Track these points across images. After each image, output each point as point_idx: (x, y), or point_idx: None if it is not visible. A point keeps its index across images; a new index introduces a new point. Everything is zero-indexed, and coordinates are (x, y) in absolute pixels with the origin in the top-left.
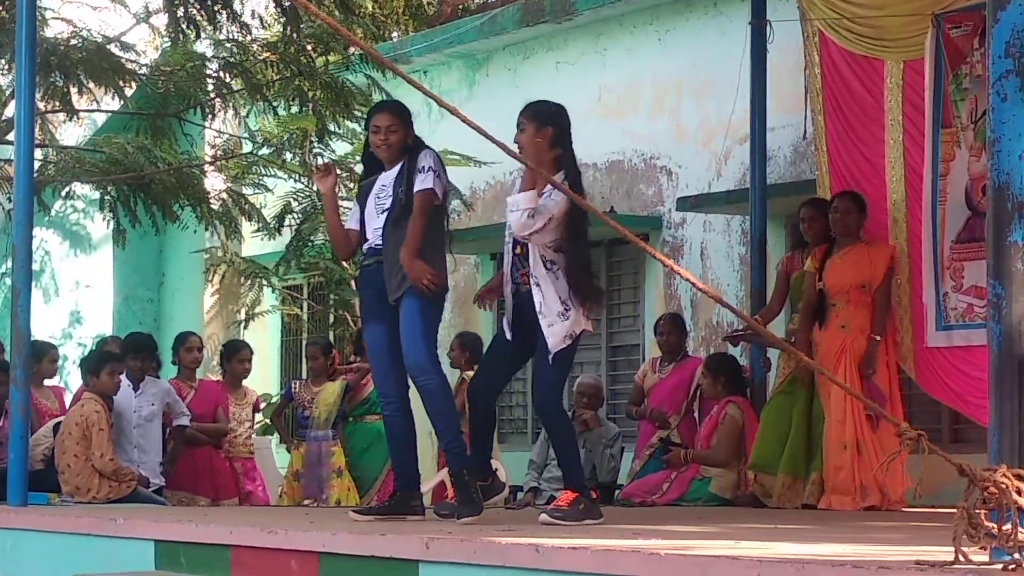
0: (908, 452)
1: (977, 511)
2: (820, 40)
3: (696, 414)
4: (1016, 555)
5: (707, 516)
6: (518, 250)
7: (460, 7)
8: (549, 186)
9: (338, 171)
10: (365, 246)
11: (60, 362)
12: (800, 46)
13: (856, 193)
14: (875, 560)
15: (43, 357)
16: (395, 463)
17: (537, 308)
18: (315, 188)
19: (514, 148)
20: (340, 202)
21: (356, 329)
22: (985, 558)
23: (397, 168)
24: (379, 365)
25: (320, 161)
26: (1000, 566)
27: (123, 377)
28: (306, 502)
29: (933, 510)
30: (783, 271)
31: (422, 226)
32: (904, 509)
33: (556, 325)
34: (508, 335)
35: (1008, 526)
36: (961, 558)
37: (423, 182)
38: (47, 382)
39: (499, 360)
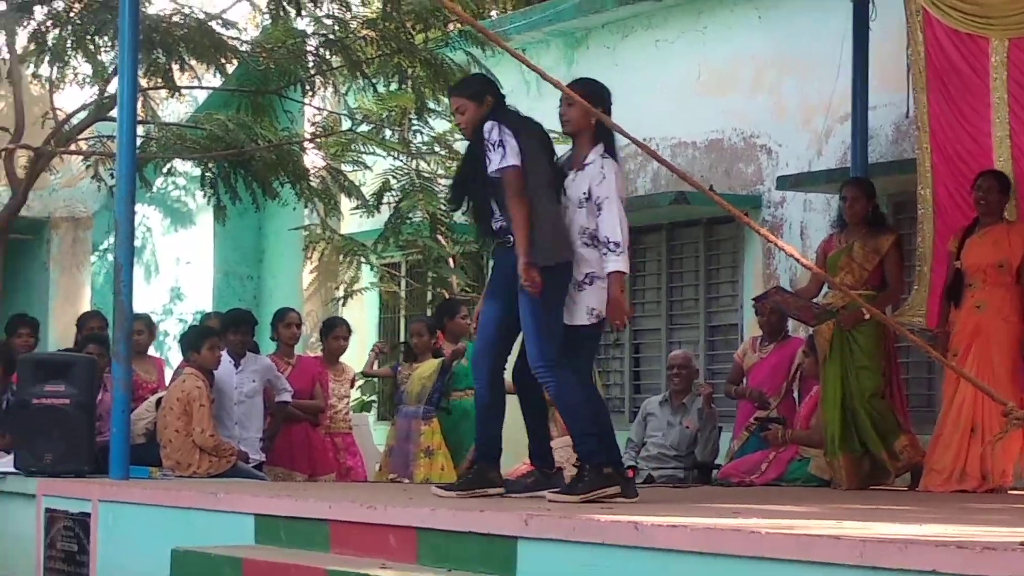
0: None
1: None
2: (923, 18)
3: (796, 395)
4: None
5: (806, 496)
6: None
7: None
8: (593, 156)
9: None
10: (493, 223)
11: (161, 337)
12: (902, 24)
13: (1000, 172)
14: (979, 541)
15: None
16: (479, 436)
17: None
18: (414, 166)
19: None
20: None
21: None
22: None
23: (471, 148)
24: (481, 339)
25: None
26: None
27: (224, 353)
28: (391, 476)
29: None
30: (821, 251)
31: (524, 217)
32: (1009, 491)
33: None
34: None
35: None
36: None
37: (495, 161)
38: (150, 352)
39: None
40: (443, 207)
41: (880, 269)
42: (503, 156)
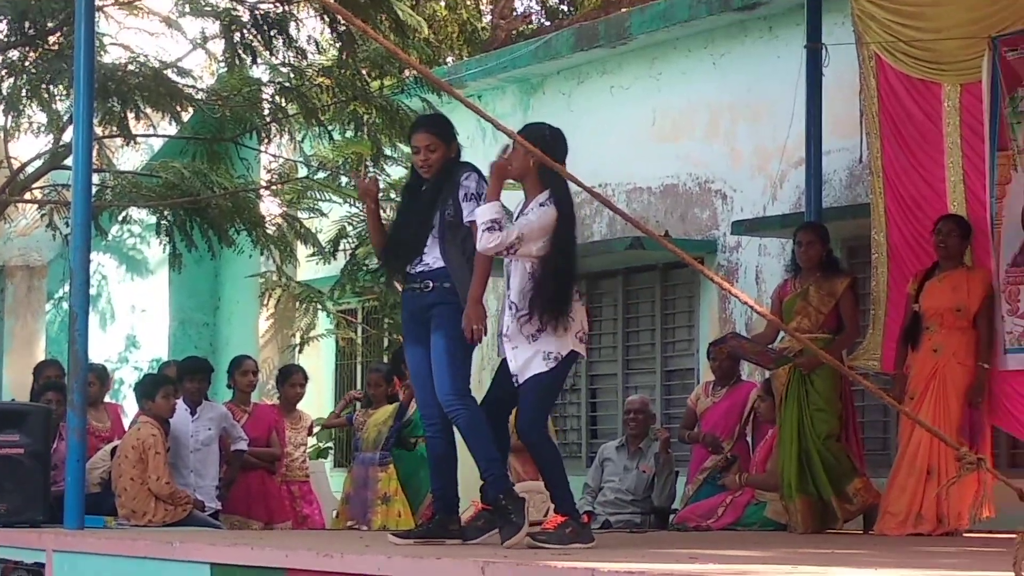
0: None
1: None
2: (876, 63)
3: (749, 439)
4: None
5: (763, 541)
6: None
7: (514, 32)
8: (532, 204)
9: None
10: (409, 268)
11: (117, 385)
12: (855, 69)
13: (960, 217)
14: None
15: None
16: (435, 486)
17: (503, 330)
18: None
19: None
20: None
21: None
22: None
23: (435, 186)
24: (422, 387)
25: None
26: None
27: (180, 401)
28: (349, 523)
29: (993, 535)
30: (776, 298)
31: (487, 264)
32: (964, 534)
33: (521, 348)
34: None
35: None
36: None
37: (470, 212)
38: (106, 399)
39: (504, 378)
40: None
41: (836, 312)
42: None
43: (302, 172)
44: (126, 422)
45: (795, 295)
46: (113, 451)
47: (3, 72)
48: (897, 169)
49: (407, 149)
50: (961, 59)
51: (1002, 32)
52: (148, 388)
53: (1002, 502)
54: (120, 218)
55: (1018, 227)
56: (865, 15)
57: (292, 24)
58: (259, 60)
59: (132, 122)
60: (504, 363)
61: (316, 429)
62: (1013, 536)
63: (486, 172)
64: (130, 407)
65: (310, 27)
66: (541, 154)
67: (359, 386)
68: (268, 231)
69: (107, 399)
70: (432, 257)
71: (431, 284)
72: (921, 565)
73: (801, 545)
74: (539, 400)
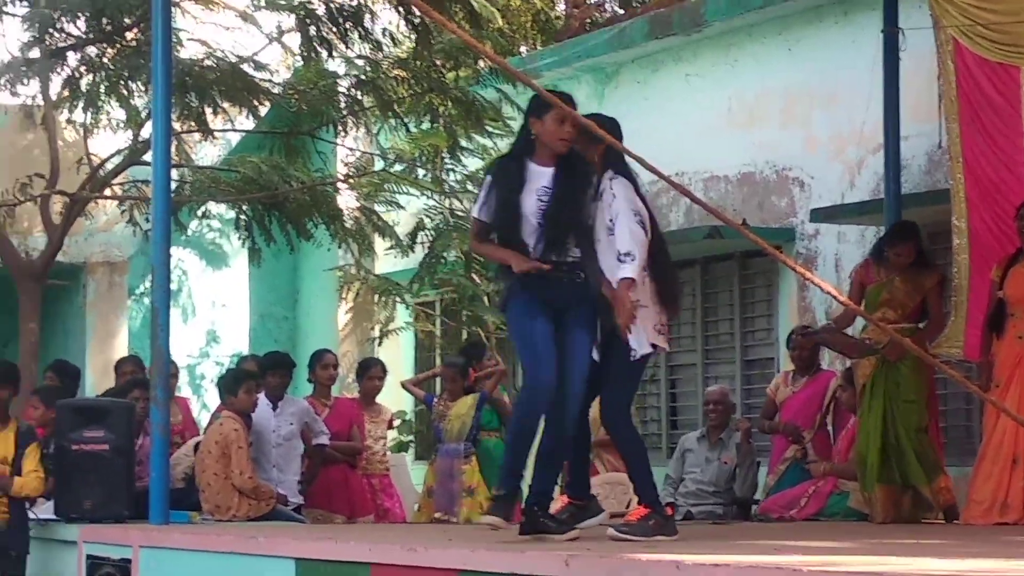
0: None
1: None
2: (954, 47)
3: (830, 428)
4: None
5: (848, 531)
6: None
7: (588, 21)
8: (611, 192)
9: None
10: (559, 254)
11: (198, 380)
12: (933, 53)
13: None
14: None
15: None
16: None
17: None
18: (447, 204)
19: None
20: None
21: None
22: None
23: (558, 167)
24: (548, 365)
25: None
26: None
27: (262, 396)
28: (436, 514)
29: None
30: (857, 279)
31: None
32: None
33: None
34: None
35: None
36: None
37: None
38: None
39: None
40: None
41: (922, 304)
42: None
43: (379, 165)
44: (197, 416)
45: (880, 285)
46: (196, 446)
47: (82, 69)
48: (976, 154)
49: (483, 140)
50: None
51: None
52: (230, 383)
53: None
54: (199, 213)
55: None
56: None
57: (367, 17)
58: (335, 53)
59: (210, 117)
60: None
61: (397, 422)
62: None
63: None
64: (211, 401)
65: (385, 19)
66: (618, 143)
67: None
68: (346, 224)
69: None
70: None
71: (582, 275)
72: (1007, 555)
73: (887, 535)
74: (633, 384)
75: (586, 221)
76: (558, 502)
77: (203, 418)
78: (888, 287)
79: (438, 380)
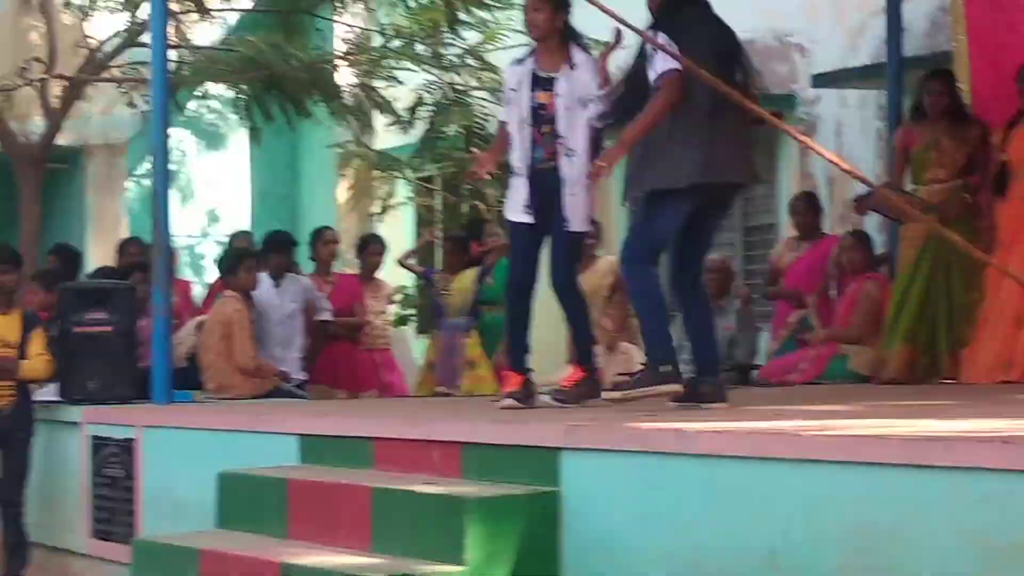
0: None
1: None
2: None
3: (834, 292)
4: None
5: (848, 394)
6: (545, 128)
7: None
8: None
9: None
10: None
11: (200, 260)
12: None
13: None
14: None
15: None
16: (648, 334)
17: (563, 180)
18: (447, 79)
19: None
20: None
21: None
22: None
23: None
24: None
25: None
26: None
27: (264, 275)
28: (438, 389)
29: None
30: (900, 145)
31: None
32: None
33: (578, 196)
34: (530, 219)
35: None
36: None
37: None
38: None
39: (530, 247)
40: (477, 119)
41: (968, 158)
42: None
43: (377, 41)
44: (198, 296)
45: (925, 146)
46: (199, 326)
47: None
48: (979, 15)
49: (482, 14)
50: None
51: None
52: (230, 262)
53: None
54: (198, 94)
55: None
56: None
57: None
58: None
59: None
60: (518, 236)
61: (398, 297)
62: None
63: None
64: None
65: None
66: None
67: (440, 254)
68: (345, 102)
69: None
70: None
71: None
72: (1011, 415)
73: (887, 398)
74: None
75: None
76: (567, 371)
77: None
78: (935, 145)
79: (440, 254)
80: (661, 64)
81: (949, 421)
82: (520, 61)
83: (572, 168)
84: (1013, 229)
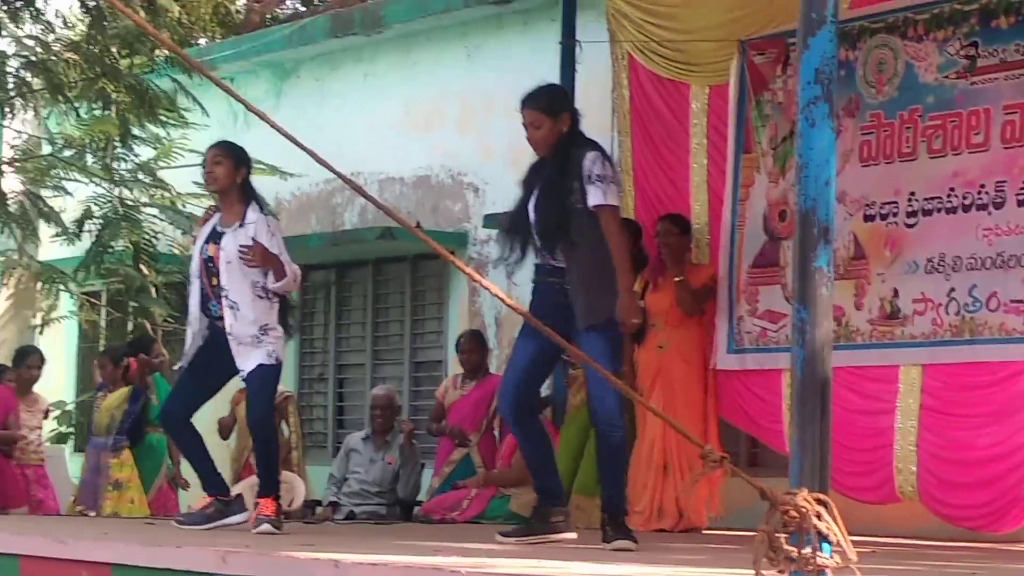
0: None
1: (777, 534)
2: (629, 62)
3: (496, 432)
4: None
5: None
6: (214, 281)
7: (268, 16)
8: (268, 228)
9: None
10: (546, 259)
11: None
12: (608, 67)
13: (678, 215)
14: None
15: None
16: (535, 480)
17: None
18: (117, 193)
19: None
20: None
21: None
22: None
23: (557, 167)
24: (513, 380)
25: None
26: None
27: None
28: (79, 509)
29: (731, 532)
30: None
31: (625, 251)
32: (702, 531)
33: (246, 347)
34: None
35: (807, 549)
36: None
37: (598, 196)
38: None
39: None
40: (147, 236)
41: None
42: (605, 193)
43: (46, 149)
44: None
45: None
46: None
47: None
48: (645, 168)
49: (156, 130)
50: (711, 61)
51: (751, 36)
52: None
53: (734, 501)
54: None
55: (759, 229)
56: (619, 14)
57: None
58: (3, 32)
59: None
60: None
61: (54, 412)
62: (752, 534)
63: None
64: None
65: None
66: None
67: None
68: (10, 209)
69: None
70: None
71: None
72: (662, 561)
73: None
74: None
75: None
76: (205, 501)
77: None
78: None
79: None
80: (601, 195)
81: (604, 564)
82: (216, 211)
83: (236, 322)
84: (651, 376)
